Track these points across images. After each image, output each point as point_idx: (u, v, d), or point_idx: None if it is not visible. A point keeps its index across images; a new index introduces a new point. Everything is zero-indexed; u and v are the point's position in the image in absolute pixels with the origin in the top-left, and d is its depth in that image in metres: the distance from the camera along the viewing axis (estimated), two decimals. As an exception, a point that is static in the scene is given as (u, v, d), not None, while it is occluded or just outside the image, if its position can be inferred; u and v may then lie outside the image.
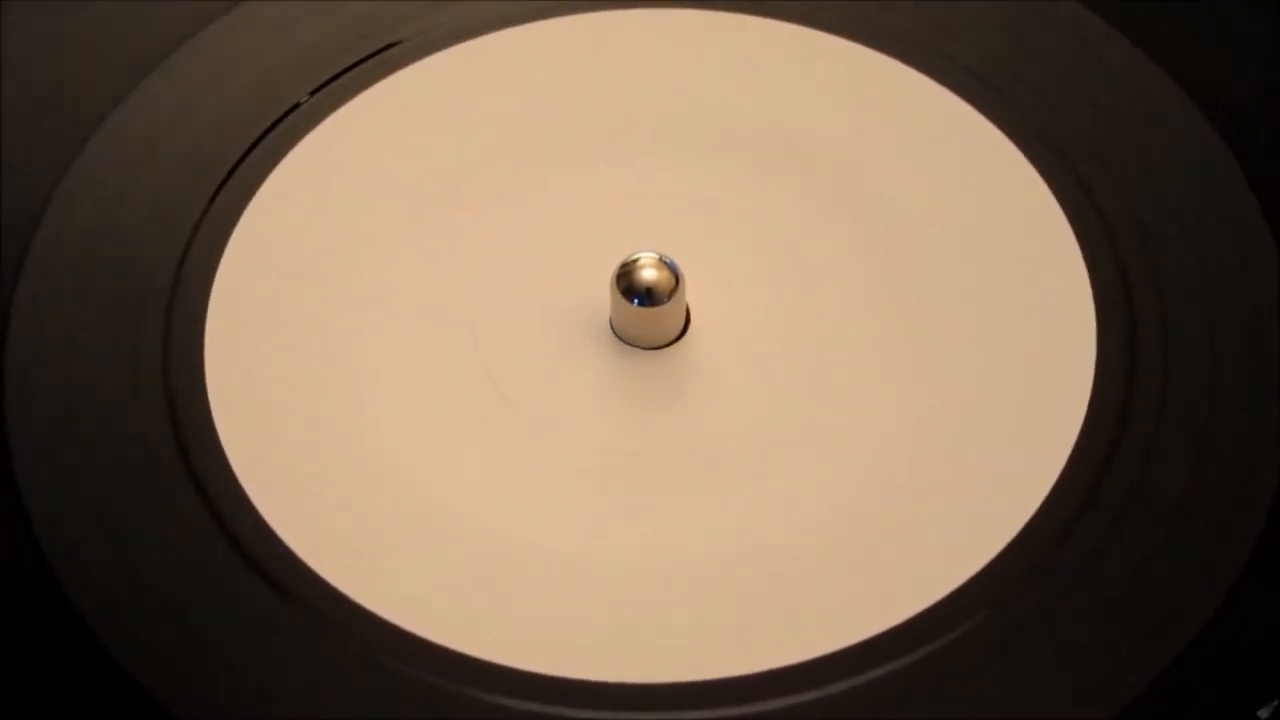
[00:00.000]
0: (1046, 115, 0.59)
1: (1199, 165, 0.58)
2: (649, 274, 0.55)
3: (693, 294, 0.56)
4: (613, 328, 0.56)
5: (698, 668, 0.50)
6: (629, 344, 0.56)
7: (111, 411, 0.54)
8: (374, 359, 0.55)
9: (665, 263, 0.55)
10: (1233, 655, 0.50)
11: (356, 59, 0.61)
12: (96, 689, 0.50)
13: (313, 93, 0.60)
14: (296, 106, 0.60)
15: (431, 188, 0.58)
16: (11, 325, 0.56)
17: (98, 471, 0.53)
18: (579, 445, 0.54)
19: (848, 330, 0.56)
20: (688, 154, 0.59)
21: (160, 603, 0.51)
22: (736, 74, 0.60)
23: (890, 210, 0.58)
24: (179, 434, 0.54)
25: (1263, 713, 0.49)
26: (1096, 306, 0.56)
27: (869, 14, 0.61)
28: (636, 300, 0.55)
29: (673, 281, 0.55)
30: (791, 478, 0.53)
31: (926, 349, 0.55)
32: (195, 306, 0.56)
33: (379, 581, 0.52)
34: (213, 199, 0.58)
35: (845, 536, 0.52)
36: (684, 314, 0.56)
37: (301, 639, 0.51)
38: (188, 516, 0.53)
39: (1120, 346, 0.55)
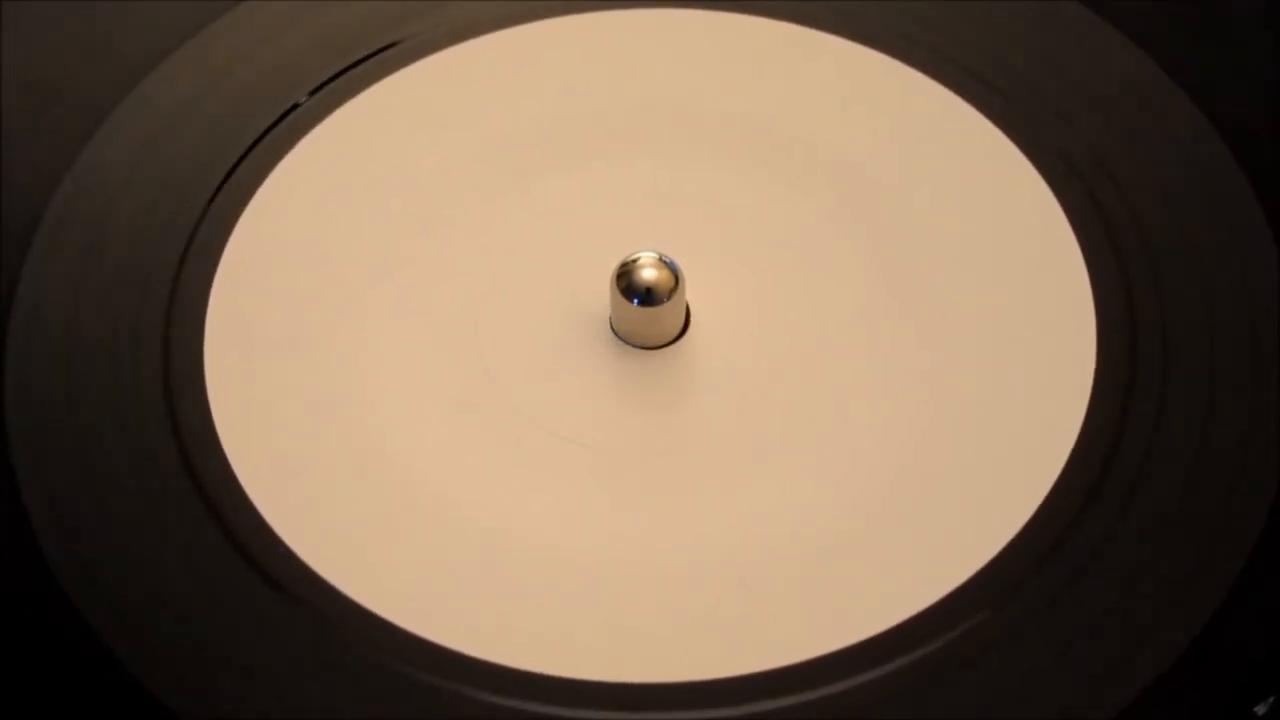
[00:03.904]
0: (1047, 115, 0.59)
1: (1199, 165, 0.58)
2: (649, 274, 0.55)
3: (693, 294, 0.56)
4: (612, 327, 0.56)
5: (698, 668, 0.50)
6: (629, 343, 0.56)
7: (111, 411, 0.54)
8: (374, 358, 0.55)
9: (665, 262, 0.55)
10: (1232, 655, 0.50)
11: (356, 59, 0.61)
12: (96, 689, 0.50)
13: (312, 93, 0.60)
14: (296, 106, 0.60)
15: (430, 188, 0.59)
16: (11, 325, 0.56)
17: (97, 472, 0.53)
18: (578, 445, 0.54)
19: (847, 330, 0.56)
20: (687, 154, 0.59)
21: (160, 603, 0.51)
22: (736, 74, 0.60)
23: (890, 210, 0.58)
24: (179, 434, 0.54)
25: (1260, 709, 0.49)
26: (1096, 306, 0.56)
27: (869, 14, 0.61)
28: (636, 300, 0.55)
29: (672, 281, 0.55)
30: (791, 477, 0.53)
31: (926, 348, 0.55)
32: (195, 306, 0.56)
33: (379, 581, 0.52)
34: (212, 199, 0.58)
35: (844, 536, 0.52)
36: (684, 314, 0.56)
37: (301, 639, 0.51)
38: (188, 516, 0.53)
39: (1120, 346, 0.55)
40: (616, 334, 0.56)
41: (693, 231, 0.57)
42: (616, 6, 0.62)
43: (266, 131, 0.59)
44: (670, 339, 0.56)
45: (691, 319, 0.56)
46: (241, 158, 0.59)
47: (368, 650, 0.51)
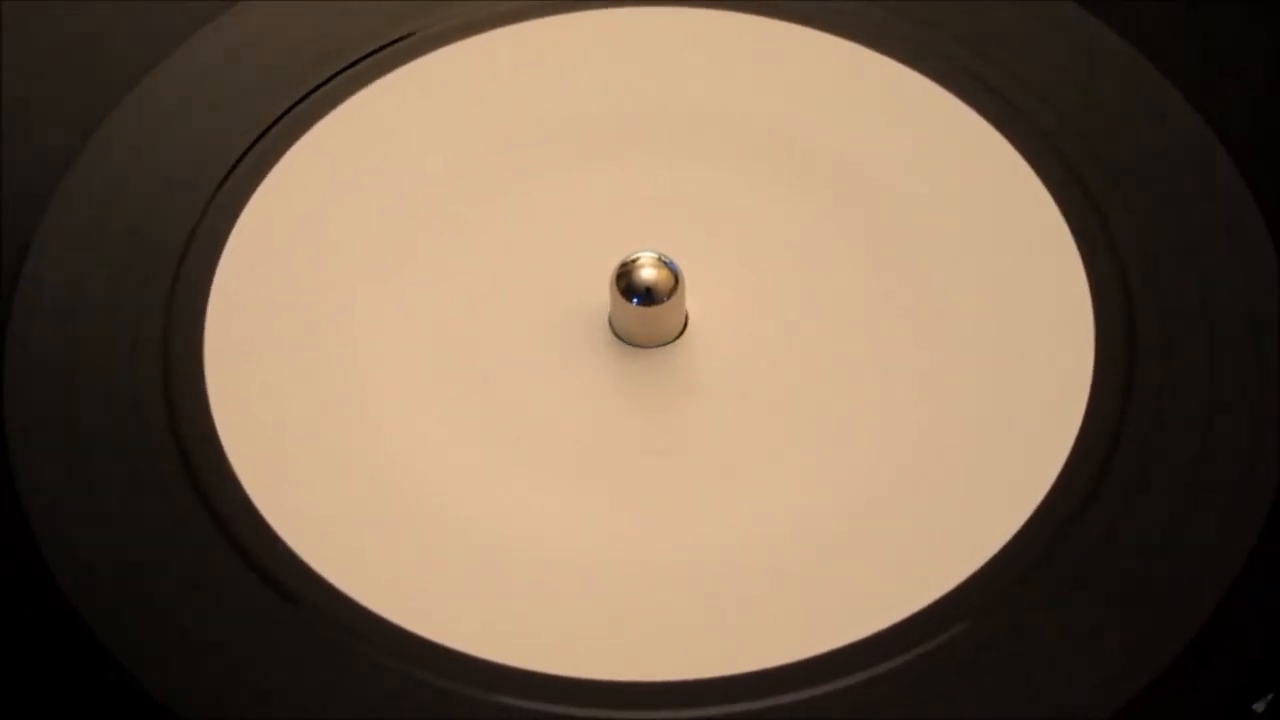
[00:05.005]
0: (1045, 116, 0.59)
1: (1197, 165, 0.58)
2: (648, 273, 0.55)
3: (692, 294, 0.56)
4: (612, 327, 0.56)
5: (698, 666, 0.50)
6: (628, 343, 0.56)
7: (111, 411, 0.54)
8: (374, 358, 0.55)
9: (665, 262, 0.55)
10: (1232, 655, 0.50)
11: (355, 59, 0.61)
12: (96, 689, 0.50)
13: (311, 93, 0.60)
14: (295, 106, 0.60)
15: (430, 187, 0.58)
16: (11, 325, 0.56)
17: (97, 471, 0.53)
18: (578, 444, 0.54)
19: (846, 330, 0.56)
20: (688, 154, 0.59)
21: (159, 602, 0.51)
22: (736, 74, 0.60)
23: (889, 210, 0.58)
24: (179, 435, 0.54)
25: (1258, 706, 0.49)
26: (1094, 306, 0.56)
27: (869, 14, 0.61)
28: (636, 300, 0.55)
29: (672, 281, 0.55)
30: (790, 477, 0.53)
31: (925, 349, 0.55)
32: (195, 305, 0.56)
33: (379, 580, 0.52)
34: (212, 198, 0.58)
35: (844, 535, 0.52)
36: (683, 313, 0.56)
37: (301, 638, 0.51)
38: (187, 516, 0.53)
39: (1119, 346, 0.55)
40: (616, 334, 0.56)
41: (692, 231, 0.57)
42: (616, 6, 0.62)
43: (266, 131, 0.59)
44: (670, 339, 0.56)
45: (690, 319, 0.56)
46: (241, 157, 0.59)
47: (367, 649, 0.51)
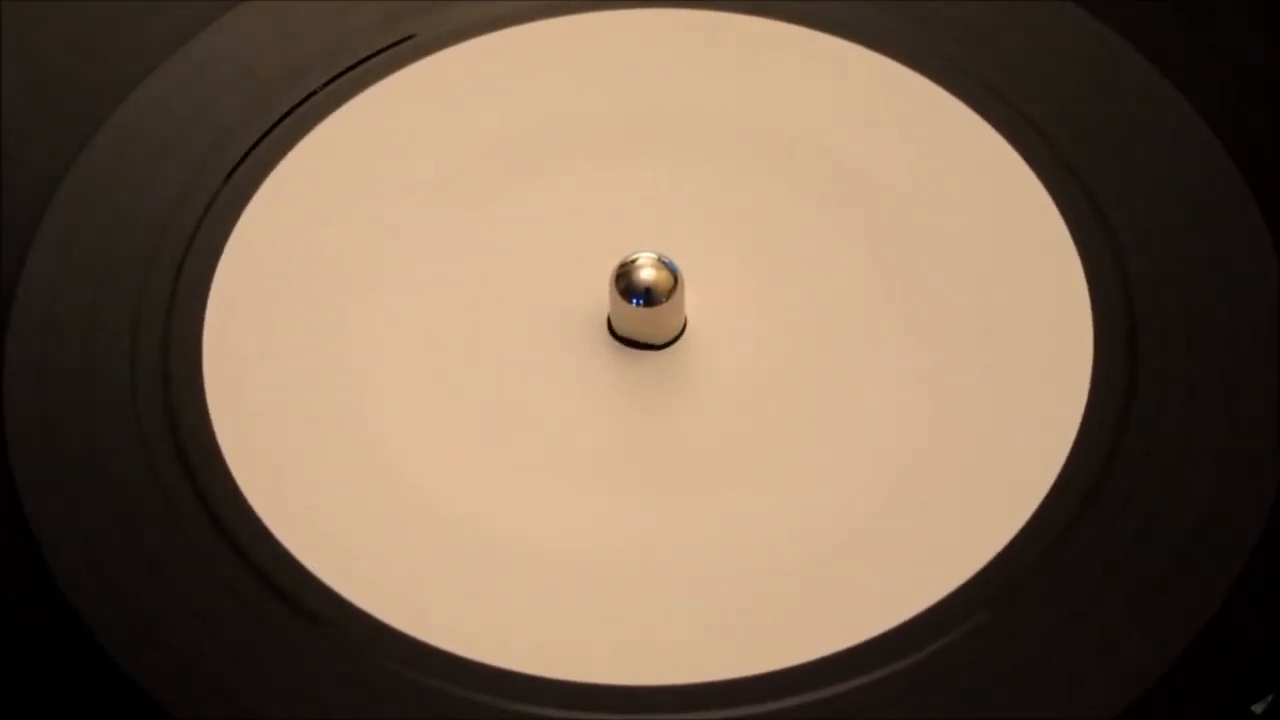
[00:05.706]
0: (1045, 116, 0.59)
1: (1197, 166, 0.58)
2: (648, 274, 0.55)
3: (692, 294, 0.56)
4: (612, 328, 0.56)
5: (698, 670, 0.50)
6: (628, 344, 0.56)
7: (111, 412, 0.54)
8: (373, 359, 0.55)
9: (664, 263, 0.55)
10: (1232, 655, 0.50)
11: (355, 60, 0.61)
12: (94, 689, 0.50)
13: (312, 94, 0.60)
14: (296, 107, 0.60)
15: (431, 187, 0.58)
16: (11, 327, 0.56)
17: (97, 472, 0.53)
18: (578, 445, 0.54)
19: (846, 330, 0.56)
20: (687, 154, 0.59)
21: (158, 604, 0.51)
22: (735, 74, 0.60)
23: (889, 211, 0.58)
24: (178, 435, 0.54)
25: (1257, 707, 0.49)
26: (1094, 306, 0.56)
27: (868, 14, 0.61)
28: (635, 300, 0.55)
29: (671, 281, 0.55)
30: (790, 478, 0.53)
31: (925, 349, 0.55)
32: (195, 307, 0.56)
33: (377, 583, 0.52)
34: (213, 199, 0.58)
35: (844, 537, 0.52)
36: (683, 314, 0.56)
37: (300, 640, 0.51)
38: (187, 520, 0.53)
39: (1118, 345, 0.55)
40: (615, 334, 0.56)
41: (692, 231, 0.57)
42: (616, 7, 0.62)
43: (266, 132, 0.59)
44: (669, 339, 0.56)
45: (690, 319, 0.56)
46: (241, 159, 0.59)
47: (367, 653, 0.51)
